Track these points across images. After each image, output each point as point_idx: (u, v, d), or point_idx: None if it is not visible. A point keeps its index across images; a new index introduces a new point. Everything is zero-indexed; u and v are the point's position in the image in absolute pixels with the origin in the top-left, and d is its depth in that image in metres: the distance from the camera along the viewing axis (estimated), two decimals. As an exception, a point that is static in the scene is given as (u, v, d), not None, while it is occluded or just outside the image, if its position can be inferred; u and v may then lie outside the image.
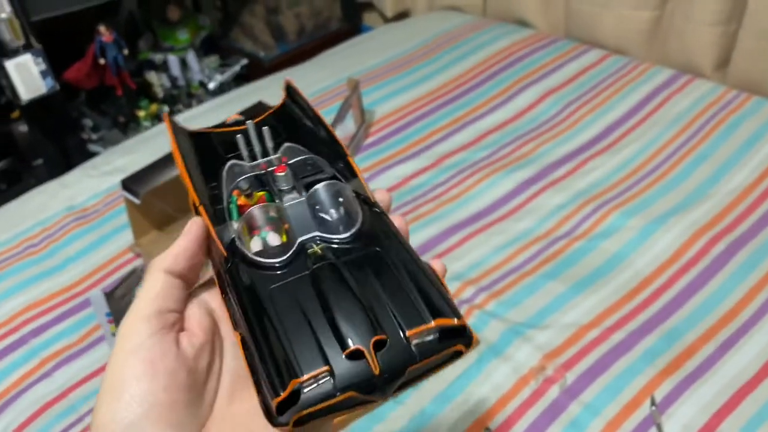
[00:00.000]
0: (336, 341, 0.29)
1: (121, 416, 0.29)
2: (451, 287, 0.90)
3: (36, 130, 1.48)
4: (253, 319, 0.30)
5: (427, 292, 0.31)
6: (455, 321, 0.30)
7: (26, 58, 1.25)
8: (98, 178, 1.19)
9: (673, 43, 1.36)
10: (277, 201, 0.35)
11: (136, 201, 0.96)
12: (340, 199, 0.34)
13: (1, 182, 1.56)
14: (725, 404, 0.74)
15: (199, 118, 1.35)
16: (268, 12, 1.87)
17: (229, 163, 0.37)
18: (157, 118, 1.68)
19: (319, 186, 0.35)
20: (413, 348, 0.29)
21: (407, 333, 0.29)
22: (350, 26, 1.91)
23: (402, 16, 1.83)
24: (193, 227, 0.35)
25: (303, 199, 0.35)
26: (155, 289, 0.33)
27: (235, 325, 0.32)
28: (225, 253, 0.33)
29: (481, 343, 0.83)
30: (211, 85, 1.78)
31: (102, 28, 1.47)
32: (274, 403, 0.28)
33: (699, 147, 1.12)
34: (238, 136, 0.38)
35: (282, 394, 0.27)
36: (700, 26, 1.28)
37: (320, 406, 0.28)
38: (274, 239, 0.33)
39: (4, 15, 1.22)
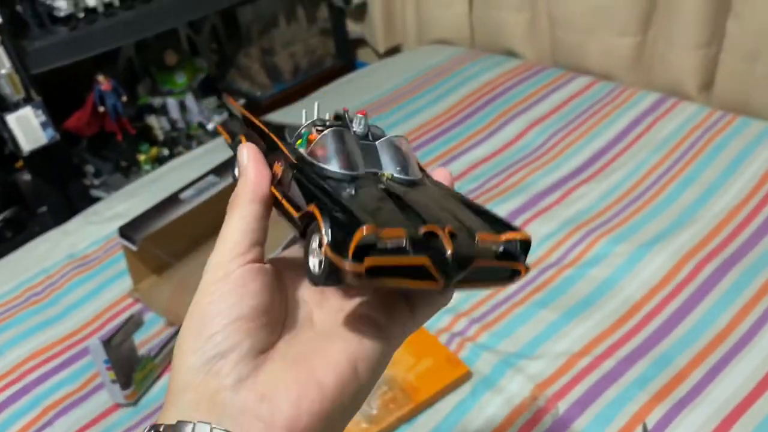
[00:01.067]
0: (412, 221, 0.30)
1: (209, 331, 0.31)
2: (444, 320, 0.92)
3: (39, 179, 1.51)
4: (327, 194, 0.31)
5: (492, 214, 0.34)
6: (523, 234, 0.32)
7: (26, 111, 1.29)
8: (99, 225, 1.22)
9: (658, 67, 1.38)
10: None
11: (133, 248, 0.99)
12: (407, 152, 0.36)
13: (7, 231, 1.59)
14: (716, 429, 0.75)
15: (201, 159, 1.38)
16: (263, 53, 1.92)
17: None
18: (157, 162, 1.72)
19: (391, 136, 0.36)
20: (481, 247, 0.31)
21: (478, 235, 0.31)
22: (344, 63, 1.95)
23: (394, 50, 1.87)
24: (248, 151, 0.35)
25: (375, 143, 0.36)
26: (245, 222, 0.33)
27: (301, 207, 0.32)
28: (294, 160, 0.34)
29: (474, 376, 0.84)
30: (210, 126, 1.81)
31: (100, 78, 1.52)
32: (353, 241, 0.27)
33: (686, 170, 1.13)
34: (303, 110, 0.39)
35: (362, 229, 0.27)
36: (682, 50, 1.31)
37: (393, 259, 0.28)
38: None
39: (4, 71, 1.26)
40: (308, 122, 0.36)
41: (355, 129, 0.36)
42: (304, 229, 0.32)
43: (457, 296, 0.96)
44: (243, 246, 0.33)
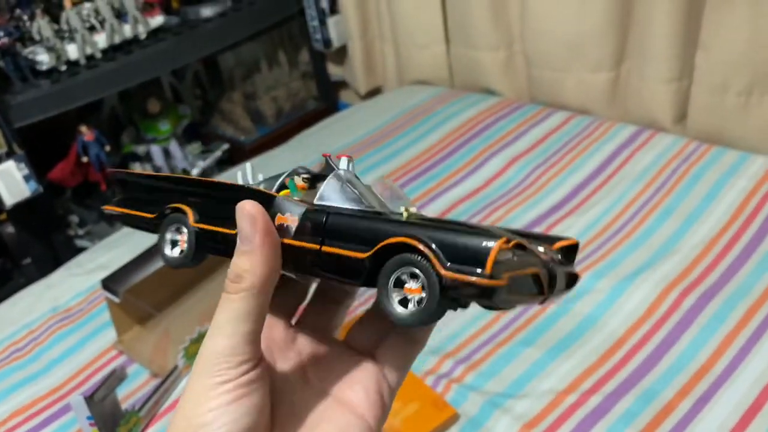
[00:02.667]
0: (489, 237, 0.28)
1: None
2: (429, 362, 0.91)
3: (23, 231, 1.51)
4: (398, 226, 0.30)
5: (510, 229, 0.35)
6: (571, 240, 0.35)
7: (9, 165, 1.30)
8: (82, 277, 1.22)
9: (633, 100, 1.41)
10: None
11: (117, 300, 0.98)
12: (402, 191, 0.36)
13: (-9, 284, 1.58)
14: (704, 463, 0.75)
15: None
16: (246, 97, 1.94)
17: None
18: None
19: (380, 178, 0.37)
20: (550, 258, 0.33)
21: (534, 248, 0.32)
22: (327, 105, 1.97)
23: (375, 92, 1.90)
24: (257, 213, 0.31)
25: (369, 184, 0.35)
26: (253, 320, 0.31)
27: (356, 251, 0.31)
28: (313, 207, 0.33)
29: (461, 418, 0.84)
30: (195, 172, 1.82)
31: (83, 128, 1.53)
32: (491, 257, 0.27)
33: (664, 201, 1.15)
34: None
35: (499, 243, 0.27)
36: (654, 84, 1.34)
37: (523, 271, 0.29)
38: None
39: (-14, 126, 1.27)
40: (287, 172, 0.36)
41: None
42: (371, 274, 0.30)
43: (443, 337, 0.96)
44: (249, 350, 0.31)
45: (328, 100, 1.99)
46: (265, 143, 1.83)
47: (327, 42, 1.83)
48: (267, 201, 0.33)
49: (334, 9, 1.79)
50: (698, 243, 1.04)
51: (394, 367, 0.36)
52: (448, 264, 0.28)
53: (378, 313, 0.38)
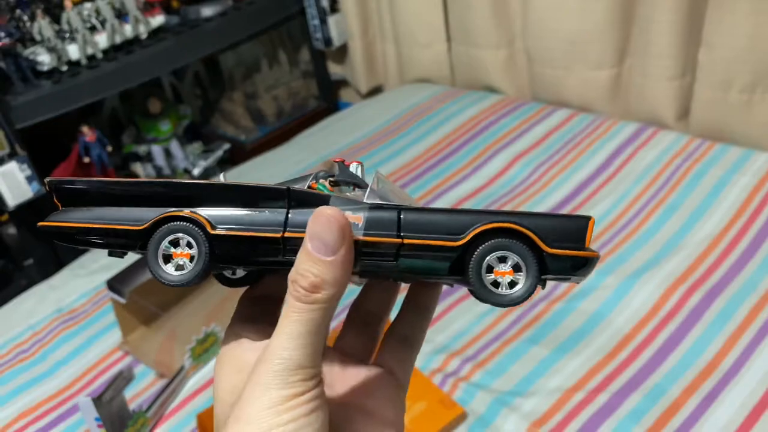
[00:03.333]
0: None
1: None
2: (437, 360, 0.91)
3: (25, 232, 1.50)
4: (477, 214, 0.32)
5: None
6: (585, 216, 0.36)
7: (11, 167, 1.29)
8: (85, 278, 1.21)
9: (635, 97, 1.41)
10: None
11: (122, 301, 0.98)
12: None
13: (-7, 285, 1.57)
14: (712, 460, 0.75)
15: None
16: (246, 97, 1.94)
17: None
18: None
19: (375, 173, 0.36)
20: None
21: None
22: (328, 104, 1.97)
23: (376, 91, 1.90)
24: (342, 220, 0.30)
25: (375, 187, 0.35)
26: (318, 336, 0.30)
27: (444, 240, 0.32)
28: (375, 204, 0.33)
29: (469, 416, 0.84)
30: (196, 172, 1.82)
31: (85, 129, 1.52)
32: (589, 233, 0.32)
33: (668, 199, 1.15)
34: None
35: (592, 220, 0.33)
36: (657, 81, 1.34)
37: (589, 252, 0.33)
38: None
39: (-12, 127, 1.26)
40: (310, 175, 0.35)
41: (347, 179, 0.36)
42: (457, 263, 0.32)
43: (449, 335, 0.96)
44: (320, 362, 0.30)
45: (328, 99, 1.99)
46: (266, 143, 1.83)
47: (328, 41, 1.82)
48: (322, 201, 0.33)
49: (334, 8, 1.79)
50: (703, 240, 1.05)
51: (401, 369, 0.37)
52: (549, 243, 0.32)
53: (365, 318, 0.38)
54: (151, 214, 0.33)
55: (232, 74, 1.95)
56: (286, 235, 0.32)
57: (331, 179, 0.35)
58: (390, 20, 1.73)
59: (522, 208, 1.20)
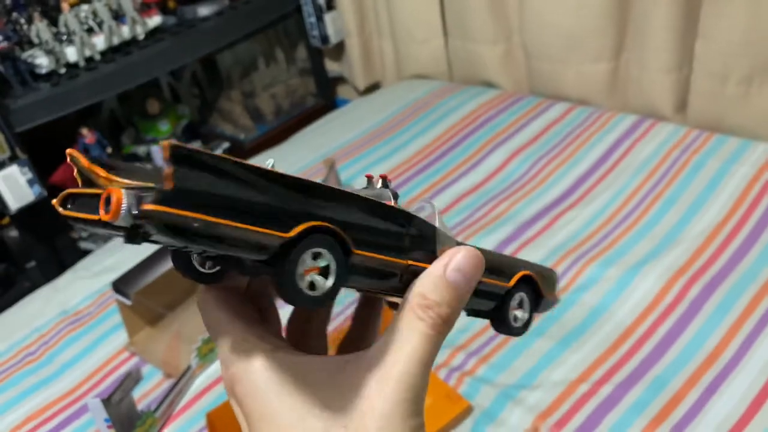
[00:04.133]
0: None
1: None
2: (441, 355, 0.92)
3: (26, 235, 1.51)
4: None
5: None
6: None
7: (12, 170, 1.30)
8: (90, 280, 1.22)
9: (633, 90, 1.42)
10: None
11: (128, 302, 0.99)
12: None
13: (-4, 289, 1.58)
14: (715, 449, 0.76)
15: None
16: (244, 96, 1.94)
17: None
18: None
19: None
20: None
21: None
22: (325, 101, 1.97)
23: (373, 87, 1.90)
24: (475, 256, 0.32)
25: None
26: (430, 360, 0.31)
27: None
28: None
29: (475, 410, 0.85)
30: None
31: (84, 131, 1.53)
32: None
33: (667, 191, 1.16)
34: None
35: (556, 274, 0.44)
36: (654, 73, 1.34)
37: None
38: None
39: (-12, 131, 1.27)
40: (368, 188, 0.34)
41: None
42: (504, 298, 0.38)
43: (453, 329, 0.97)
44: (419, 406, 0.30)
45: (326, 96, 1.99)
46: (265, 141, 1.83)
47: (324, 38, 1.83)
48: (430, 231, 0.33)
49: (330, 5, 1.79)
50: (702, 231, 1.06)
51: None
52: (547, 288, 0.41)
53: (367, 325, 0.39)
54: (290, 220, 0.26)
55: (229, 73, 1.95)
56: (410, 263, 0.31)
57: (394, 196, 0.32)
58: (387, 16, 1.73)
59: (521, 204, 1.20)
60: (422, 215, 0.33)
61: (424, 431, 0.29)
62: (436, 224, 0.33)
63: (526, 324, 0.39)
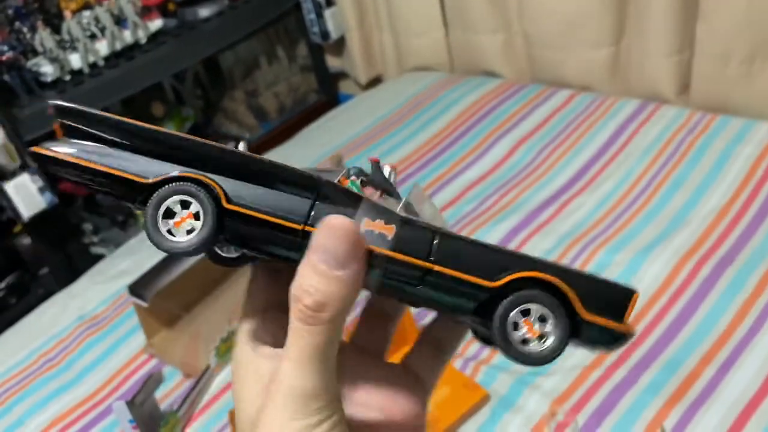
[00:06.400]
0: None
1: None
2: (456, 346, 0.93)
3: (39, 242, 1.52)
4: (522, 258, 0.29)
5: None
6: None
7: (24, 179, 1.31)
8: (105, 284, 1.23)
9: (635, 74, 1.42)
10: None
11: (145, 305, 1.00)
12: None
13: (11, 296, 1.59)
14: (732, 426, 0.77)
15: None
16: (247, 95, 1.95)
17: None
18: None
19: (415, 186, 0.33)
20: None
21: None
22: (328, 98, 1.98)
23: (375, 81, 1.91)
24: (352, 229, 0.27)
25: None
26: (331, 358, 0.28)
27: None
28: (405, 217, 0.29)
29: (492, 398, 0.86)
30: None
31: (91, 137, 1.54)
32: (630, 308, 0.29)
33: (673, 173, 1.17)
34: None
35: (636, 295, 0.30)
36: (656, 57, 1.35)
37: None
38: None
39: (-2, 141, 1.28)
40: (341, 171, 0.31)
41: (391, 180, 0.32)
42: (484, 306, 0.28)
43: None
44: (336, 384, 0.28)
45: (328, 92, 2.00)
46: (269, 139, 1.84)
47: (325, 34, 1.83)
48: (353, 202, 0.29)
49: (330, 1, 1.80)
50: (710, 212, 1.06)
51: (429, 374, 0.35)
52: (589, 308, 0.28)
53: (379, 313, 0.36)
54: (164, 169, 0.28)
55: (231, 73, 1.96)
56: (307, 228, 0.28)
57: (364, 178, 0.31)
58: (386, 10, 1.73)
59: (529, 192, 1.21)
60: (406, 196, 0.30)
61: (320, 428, 0.27)
62: (409, 201, 0.30)
63: (551, 349, 0.28)
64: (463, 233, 1.09)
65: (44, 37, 1.42)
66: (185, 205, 0.28)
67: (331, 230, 0.26)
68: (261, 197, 0.29)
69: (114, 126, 0.29)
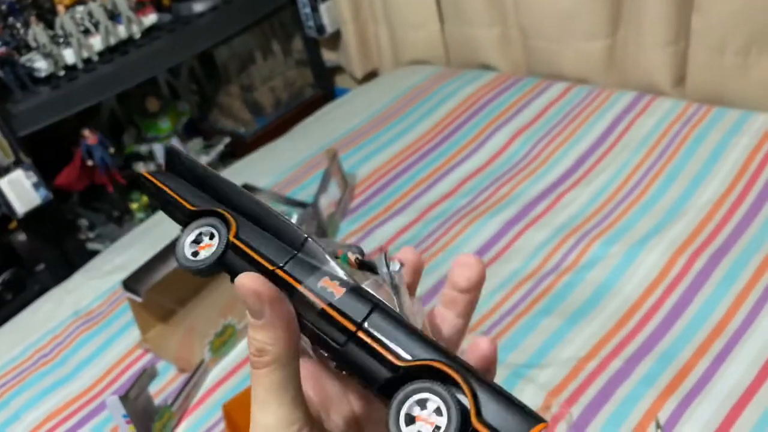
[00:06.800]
0: None
1: None
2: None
3: (35, 238, 1.52)
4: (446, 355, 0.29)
5: None
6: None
7: (18, 174, 1.31)
8: (100, 279, 1.23)
9: (630, 66, 1.41)
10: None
11: (139, 299, 1.00)
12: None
13: (7, 293, 1.59)
14: (726, 418, 0.77)
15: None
16: (243, 90, 1.94)
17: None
18: (150, 208, 1.73)
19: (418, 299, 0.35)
20: None
21: None
22: (324, 92, 1.98)
23: (371, 75, 1.90)
24: (253, 285, 0.30)
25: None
26: (292, 389, 0.30)
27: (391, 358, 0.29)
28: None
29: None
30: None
31: (86, 132, 1.53)
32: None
33: (668, 165, 1.16)
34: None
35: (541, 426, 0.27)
36: (651, 48, 1.34)
37: None
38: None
39: (-9, 137, 1.28)
40: (344, 245, 0.34)
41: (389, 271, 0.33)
42: (389, 384, 0.28)
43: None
44: (301, 414, 0.31)
45: (324, 86, 1.99)
46: (265, 134, 1.84)
47: (320, 28, 1.83)
48: (322, 262, 0.32)
49: (325, -6, 1.79)
50: (705, 204, 1.06)
51: None
52: (482, 417, 0.27)
53: None
54: (208, 204, 0.35)
55: (227, 67, 1.95)
56: (278, 272, 0.32)
57: (359, 258, 0.33)
58: (381, 3, 1.73)
59: (524, 184, 1.21)
60: (383, 267, 0.32)
61: None
62: (378, 282, 0.32)
63: None
64: (459, 226, 1.08)
65: (38, 33, 1.41)
66: (210, 235, 0.34)
67: (240, 288, 0.30)
68: (255, 237, 0.33)
69: (200, 173, 0.36)
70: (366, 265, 0.33)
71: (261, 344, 0.30)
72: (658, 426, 0.77)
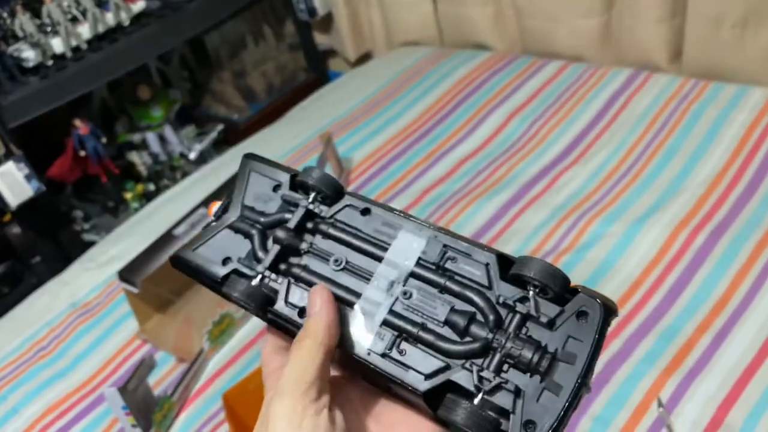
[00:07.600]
0: None
1: None
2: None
3: (29, 231, 1.51)
4: None
5: None
6: None
7: (9, 167, 1.29)
8: (96, 270, 1.22)
9: (627, 42, 1.40)
10: None
11: (135, 290, 0.99)
12: None
13: (3, 286, 1.58)
14: (728, 395, 0.77)
15: (188, 192, 1.38)
16: (234, 76, 1.92)
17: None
18: (144, 197, 1.72)
19: None
20: None
21: None
22: (317, 75, 1.95)
23: (365, 57, 1.88)
24: (321, 295, 0.34)
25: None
26: (317, 365, 0.32)
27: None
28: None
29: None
30: (192, 155, 1.81)
31: (77, 122, 1.51)
32: None
33: (666, 142, 1.15)
34: None
35: None
36: (647, 24, 1.33)
37: None
38: None
39: (-19, 129, 1.26)
40: None
41: None
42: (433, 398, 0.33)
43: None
44: (315, 392, 0.32)
45: (317, 70, 1.97)
46: (259, 120, 1.82)
47: (312, 11, 1.80)
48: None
49: (316, -23, 1.76)
50: (704, 181, 1.05)
51: None
52: None
53: None
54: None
55: (218, 53, 1.93)
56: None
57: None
58: (373, -15, 1.70)
59: (521, 165, 1.20)
60: None
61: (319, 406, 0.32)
62: None
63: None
64: (456, 209, 1.07)
65: (24, 22, 1.39)
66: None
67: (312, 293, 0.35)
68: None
69: None
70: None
71: (304, 331, 0.34)
72: (660, 405, 0.77)
